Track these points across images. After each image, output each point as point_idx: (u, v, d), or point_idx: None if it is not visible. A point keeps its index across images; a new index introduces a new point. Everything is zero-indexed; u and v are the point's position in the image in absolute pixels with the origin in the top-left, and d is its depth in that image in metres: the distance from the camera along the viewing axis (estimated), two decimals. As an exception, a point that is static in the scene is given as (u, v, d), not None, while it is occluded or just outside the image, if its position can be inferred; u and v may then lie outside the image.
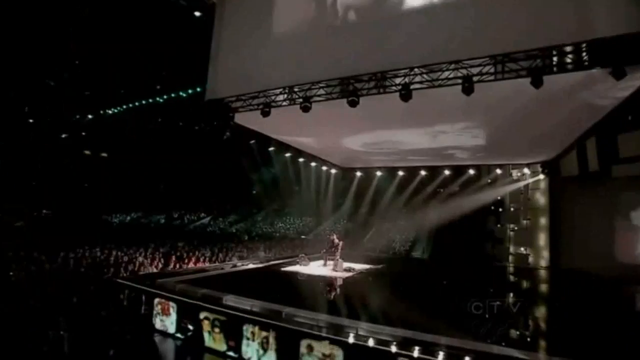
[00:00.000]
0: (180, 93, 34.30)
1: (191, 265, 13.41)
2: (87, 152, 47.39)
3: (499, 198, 17.62)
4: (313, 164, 16.19)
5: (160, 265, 12.57)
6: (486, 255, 17.75)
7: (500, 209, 17.99)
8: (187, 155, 38.18)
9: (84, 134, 44.48)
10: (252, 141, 12.17)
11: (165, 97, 35.72)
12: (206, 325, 6.94)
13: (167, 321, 7.64)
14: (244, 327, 6.43)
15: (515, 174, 17.14)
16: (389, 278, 12.21)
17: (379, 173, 18.25)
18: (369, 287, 10.44)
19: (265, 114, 8.89)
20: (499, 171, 16.24)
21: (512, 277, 13.63)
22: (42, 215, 37.52)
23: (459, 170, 17.06)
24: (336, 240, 12.62)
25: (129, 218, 45.09)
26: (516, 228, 16.34)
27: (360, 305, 7.93)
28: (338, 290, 9.89)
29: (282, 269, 12.05)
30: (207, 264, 13.34)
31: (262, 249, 18.05)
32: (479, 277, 13.08)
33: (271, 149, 12.80)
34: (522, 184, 16.44)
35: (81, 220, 32.57)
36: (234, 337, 6.54)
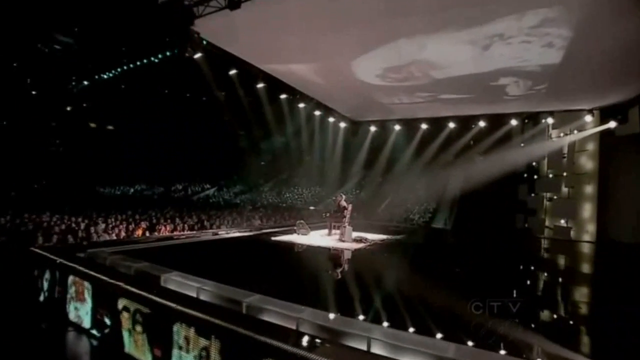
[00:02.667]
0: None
1: (165, 233, 10.92)
2: (92, 124, 45.77)
3: (533, 164, 14.89)
4: (317, 112, 13.21)
5: (122, 233, 10.09)
6: (516, 228, 15.05)
7: (535, 177, 15.11)
8: (194, 125, 35.86)
9: (85, 105, 42.71)
10: (233, 71, 9.22)
11: (160, 56, 32.82)
12: (125, 319, 4.31)
13: (82, 310, 5.06)
14: (174, 328, 3.76)
15: (555, 134, 14.09)
16: (411, 252, 9.43)
17: (397, 127, 15.16)
18: (386, 263, 7.64)
19: (234, 5, 5.94)
20: (550, 120, 12.98)
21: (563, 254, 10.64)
22: (40, 186, 36.28)
23: (496, 121, 13.93)
24: (343, 203, 9.83)
25: (132, 190, 43.83)
26: (555, 197, 13.83)
27: (374, 293, 5.19)
28: (342, 267, 7.15)
29: (274, 238, 9.37)
30: (185, 232, 10.79)
31: (257, 217, 15.45)
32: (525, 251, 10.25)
33: (260, 85, 9.83)
34: (566, 140, 13.23)
35: (76, 191, 30.99)
36: (161, 343, 3.90)
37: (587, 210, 12.93)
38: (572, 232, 13.06)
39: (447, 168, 19.03)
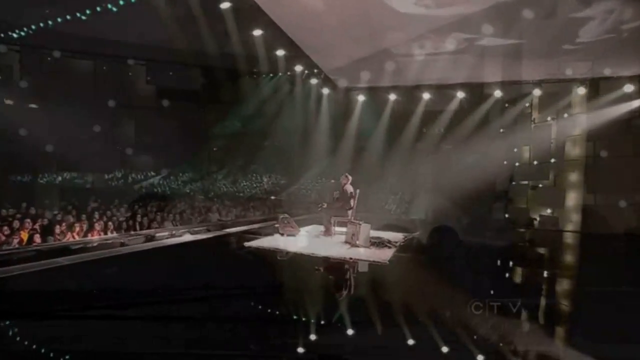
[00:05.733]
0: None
1: (72, 238, 7.07)
2: (9, 101, 38.25)
3: (515, 150, 14.02)
4: (298, 68, 9.88)
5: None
6: (495, 219, 13.84)
7: (517, 164, 14.21)
8: (135, 105, 30.90)
9: None
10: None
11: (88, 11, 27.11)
12: None
13: None
14: None
15: (539, 119, 13.13)
16: (476, 257, 6.43)
17: (392, 97, 12.32)
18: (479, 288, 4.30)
19: None
20: (580, 91, 10.94)
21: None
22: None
23: (514, 93, 11.89)
24: (349, 188, 6.67)
25: (59, 178, 37.39)
26: (540, 185, 13.09)
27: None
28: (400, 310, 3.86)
29: (248, 244, 5.94)
30: (100, 237, 7.00)
31: (215, 210, 11.95)
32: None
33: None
34: (555, 123, 12.29)
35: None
36: None
37: (572, 199, 12.18)
38: (559, 222, 12.13)
39: (427, 153, 17.05)
